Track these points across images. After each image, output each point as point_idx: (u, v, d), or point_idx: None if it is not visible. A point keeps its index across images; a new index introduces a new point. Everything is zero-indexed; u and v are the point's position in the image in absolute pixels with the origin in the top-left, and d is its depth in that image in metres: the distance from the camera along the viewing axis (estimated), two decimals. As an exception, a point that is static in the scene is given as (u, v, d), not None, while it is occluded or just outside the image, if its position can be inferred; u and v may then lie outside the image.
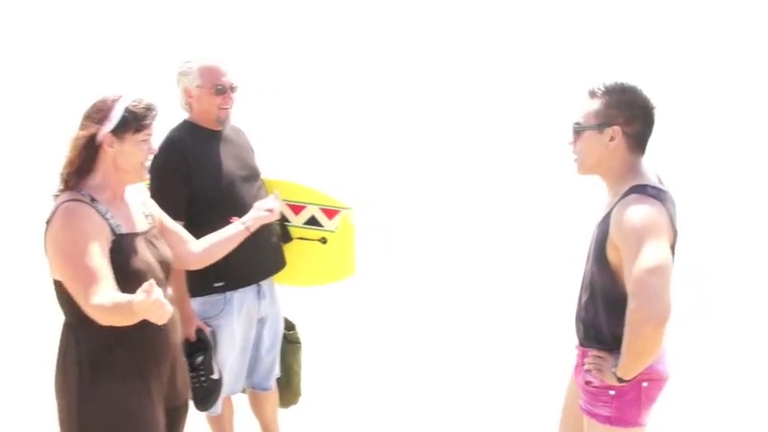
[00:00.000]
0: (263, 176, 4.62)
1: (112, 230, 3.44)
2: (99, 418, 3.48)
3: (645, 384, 3.41)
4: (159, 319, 3.15)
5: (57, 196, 3.49)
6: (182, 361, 3.78)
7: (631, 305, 3.19)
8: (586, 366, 3.50)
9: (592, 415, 3.51)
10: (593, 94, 3.45)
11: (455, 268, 7.67)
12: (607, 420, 3.46)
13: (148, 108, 3.50)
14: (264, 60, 14.95)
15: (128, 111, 3.45)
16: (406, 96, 13.23)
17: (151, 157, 3.56)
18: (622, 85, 3.43)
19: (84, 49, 15.28)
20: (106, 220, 3.44)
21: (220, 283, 4.41)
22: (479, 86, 13.71)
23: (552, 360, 5.91)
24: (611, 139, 3.40)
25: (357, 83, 14.16)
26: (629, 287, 3.22)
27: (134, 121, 3.45)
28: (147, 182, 4.28)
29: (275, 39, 16.11)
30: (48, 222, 3.44)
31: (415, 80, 14.06)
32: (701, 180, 9.32)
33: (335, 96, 13.52)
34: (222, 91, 4.40)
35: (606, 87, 3.43)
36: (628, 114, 3.39)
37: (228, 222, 4.10)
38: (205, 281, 4.37)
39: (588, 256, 3.53)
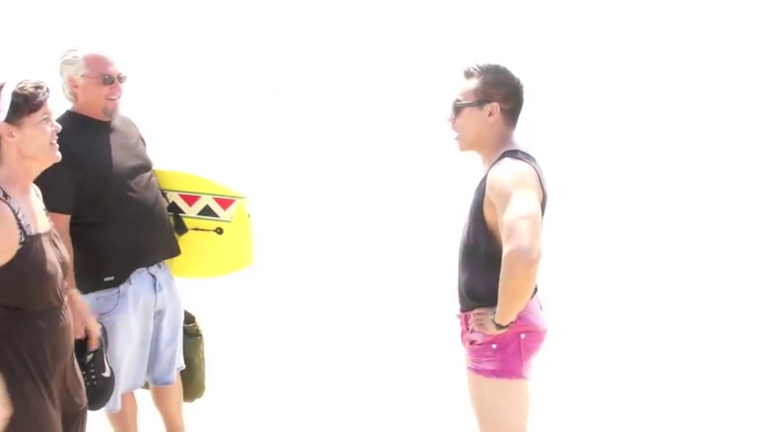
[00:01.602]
0: (155, 167, 4.57)
1: (23, 231, 3.35)
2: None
3: (523, 336, 3.69)
4: None
5: None
6: (74, 364, 3.71)
7: (505, 250, 3.47)
8: (470, 326, 3.74)
9: (478, 371, 3.76)
10: (468, 74, 3.76)
11: (355, 257, 7.69)
12: (493, 373, 3.71)
13: (37, 86, 3.38)
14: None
15: (16, 95, 3.32)
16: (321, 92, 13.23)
17: (56, 135, 3.44)
18: (497, 65, 3.76)
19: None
20: (18, 219, 3.34)
21: (110, 278, 4.36)
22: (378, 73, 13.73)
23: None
24: (490, 114, 3.71)
25: (274, 75, 14.10)
26: (503, 234, 3.50)
27: (25, 104, 3.34)
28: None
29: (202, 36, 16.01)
30: None
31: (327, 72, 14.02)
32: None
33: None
34: (110, 81, 4.33)
35: (481, 68, 3.74)
36: (504, 92, 3.72)
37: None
38: (95, 276, 4.33)
39: (465, 222, 3.79)
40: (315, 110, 12.57)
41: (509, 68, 3.78)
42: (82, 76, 4.30)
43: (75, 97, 4.35)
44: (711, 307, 6.60)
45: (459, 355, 3.97)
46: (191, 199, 4.60)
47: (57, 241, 3.55)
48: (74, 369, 3.69)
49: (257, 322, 6.53)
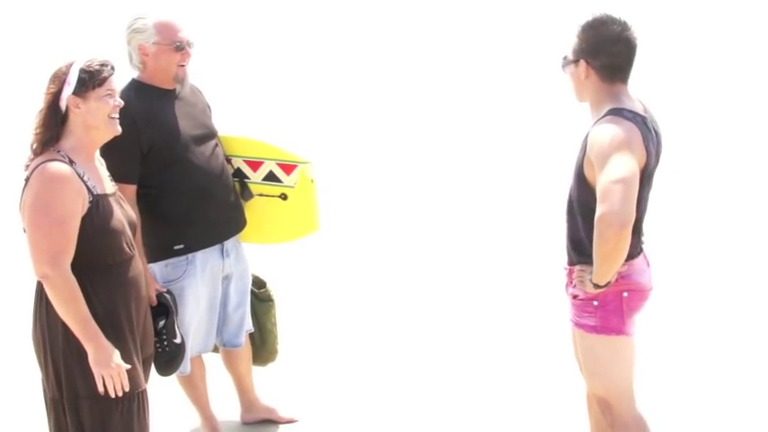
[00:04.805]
0: (219, 134, 4.63)
1: (90, 191, 3.64)
2: (82, 367, 3.62)
3: (625, 294, 3.74)
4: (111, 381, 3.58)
5: (28, 165, 3.66)
6: (149, 314, 3.96)
7: (597, 213, 3.51)
8: (573, 281, 3.80)
9: (580, 326, 3.82)
10: (576, 29, 3.76)
11: (425, 222, 7.69)
12: (593, 329, 3.78)
13: (103, 64, 3.70)
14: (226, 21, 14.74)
15: (83, 71, 3.65)
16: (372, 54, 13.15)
17: (118, 110, 3.73)
18: (591, 20, 3.72)
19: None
20: (84, 181, 3.62)
21: (180, 246, 4.45)
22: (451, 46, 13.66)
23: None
24: (584, 72, 3.73)
25: (322, 41, 14.02)
26: (597, 197, 3.53)
27: (91, 79, 3.65)
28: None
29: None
30: (27, 180, 3.63)
31: (384, 36, 13.93)
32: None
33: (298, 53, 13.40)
34: (181, 47, 4.38)
35: (582, 24, 3.73)
36: (591, 50, 3.69)
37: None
38: (165, 244, 4.44)
39: (571, 176, 3.81)
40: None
41: (608, 21, 3.67)
42: (153, 43, 4.34)
43: (143, 66, 4.39)
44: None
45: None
46: (255, 165, 4.65)
47: (122, 202, 3.84)
48: (149, 317, 3.95)
49: (325, 288, 6.57)
